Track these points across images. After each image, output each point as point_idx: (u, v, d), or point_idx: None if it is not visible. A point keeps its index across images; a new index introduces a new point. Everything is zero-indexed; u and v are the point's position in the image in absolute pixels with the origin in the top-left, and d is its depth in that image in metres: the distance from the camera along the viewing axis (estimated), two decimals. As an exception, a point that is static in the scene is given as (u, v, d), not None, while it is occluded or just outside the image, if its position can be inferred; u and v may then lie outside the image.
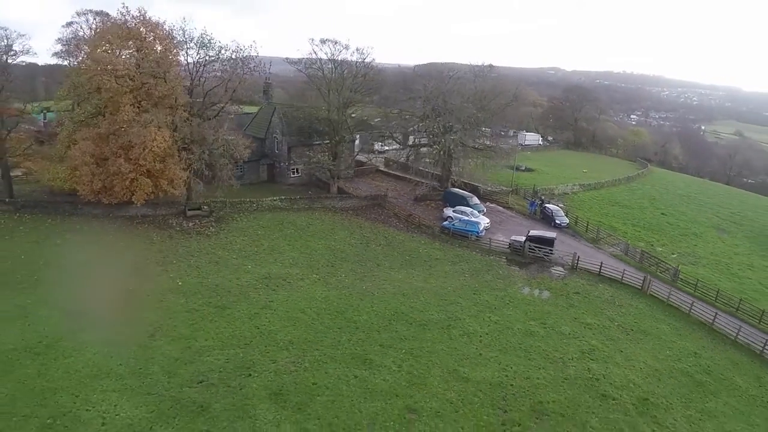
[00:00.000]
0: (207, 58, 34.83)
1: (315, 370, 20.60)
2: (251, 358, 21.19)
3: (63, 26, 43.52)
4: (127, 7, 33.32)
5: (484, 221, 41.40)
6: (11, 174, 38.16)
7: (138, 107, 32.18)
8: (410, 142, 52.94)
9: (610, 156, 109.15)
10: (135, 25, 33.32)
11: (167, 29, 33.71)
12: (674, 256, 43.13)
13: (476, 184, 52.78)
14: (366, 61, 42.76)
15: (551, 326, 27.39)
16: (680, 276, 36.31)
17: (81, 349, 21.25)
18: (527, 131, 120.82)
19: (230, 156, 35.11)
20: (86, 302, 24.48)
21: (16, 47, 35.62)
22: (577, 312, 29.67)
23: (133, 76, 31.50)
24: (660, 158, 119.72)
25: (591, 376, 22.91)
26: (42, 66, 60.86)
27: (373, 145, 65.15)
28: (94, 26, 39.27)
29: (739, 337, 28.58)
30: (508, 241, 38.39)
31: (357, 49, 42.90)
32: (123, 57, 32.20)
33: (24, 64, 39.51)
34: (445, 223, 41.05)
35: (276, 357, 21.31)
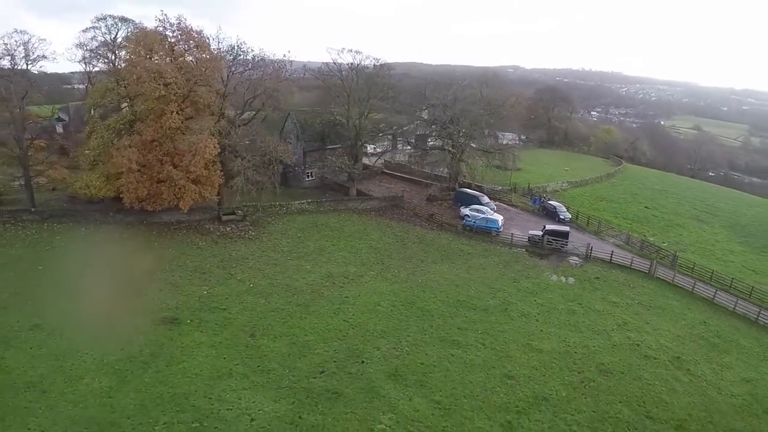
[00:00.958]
0: (242, 65, 38.59)
1: (416, 353, 25.56)
2: (356, 347, 25.71)
3: (81, 31, 45.33)
4: (166, 15, 36.48)
5: (499, 218, 47.86)
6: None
7: (181, 114, 35.39)
8: (427, 145, 58.68)
9: (583, 154, 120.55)
10: (174, 33, 36.51)
11: (206, 37, 37.19)
12: (665, 244, 51.55)
13: (481, 184, 59.38)
14: (385, 70, 48.05)
15: (586, 306, 33.93)
16: (678, 261, 44.43)
17: (188, 353, 24.57)
18: (504, 131, 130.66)
19: (279, 161, 38.99)
20: (172, 307, 27.87)
21: (37, 52, 37.67)
22: (603, 294, 36.50)
23: (181, 84, 34.68)
24: (630, 155, 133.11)
25: (632, 342, 29.53)
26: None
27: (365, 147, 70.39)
28: (118, 33, 41.76)
29: (736, 308, 36.56)
30: (528, 235, 44.99)
31: (375, 59, 48.14)
32: (167, 64, 35.25)
33: (42, 70, 41.17)
34: (467, 220, 47.05)
35: (377, 345, 26.01)
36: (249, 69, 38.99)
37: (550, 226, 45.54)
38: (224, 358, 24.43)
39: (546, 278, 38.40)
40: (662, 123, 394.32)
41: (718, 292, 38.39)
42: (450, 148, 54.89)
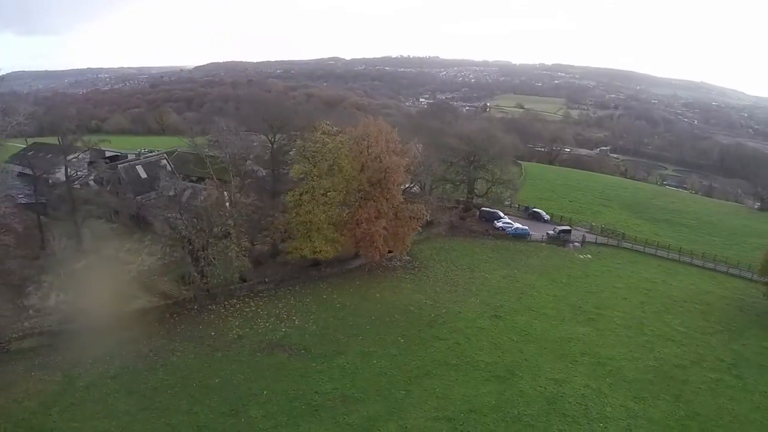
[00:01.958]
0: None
1: (594, 294, 58.26)
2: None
3: None
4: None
5: (527, 226, 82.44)
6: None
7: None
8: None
9: None
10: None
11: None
12: (600, 225, 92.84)
13: (477, 202, 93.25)
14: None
15: (616, 268, 70.44)
16: (624, 235, 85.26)
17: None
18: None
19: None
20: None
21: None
22: (611, 261, 73.32)
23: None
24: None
25: (640, 277, 66.90)
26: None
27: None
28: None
29: (658, 253, 78.17)
30: (546, 233, 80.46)
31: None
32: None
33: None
34: (507, 230, 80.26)
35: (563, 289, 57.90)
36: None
37: (559, 227, 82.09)
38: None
39: (577, 257, 74.33)
40: (488, 104, 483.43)
41: (647, 248, 79.88)
42: (465, 178, 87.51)
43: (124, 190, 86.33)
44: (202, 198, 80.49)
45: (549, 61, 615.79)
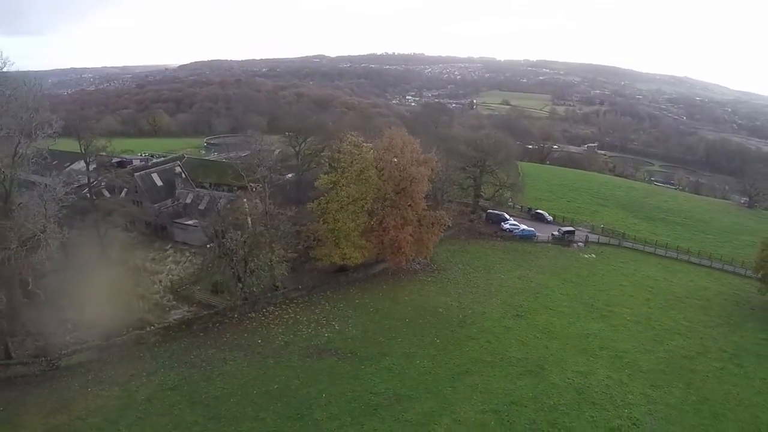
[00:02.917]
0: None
1: (597, 287, 62.92)
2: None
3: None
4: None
5: (532, 228, 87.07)
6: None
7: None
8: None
9: None
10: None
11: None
12: (602, 226, 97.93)
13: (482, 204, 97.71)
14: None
15: (620, 267, 75.38)
16: (624, 235, 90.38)
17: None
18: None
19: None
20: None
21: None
22: (615, 260, 78.32)
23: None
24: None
25: (643, 275, 71.93)
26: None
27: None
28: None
29: (657, 252, 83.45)
30: (551, 234, 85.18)
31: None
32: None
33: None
34: (515, 231, 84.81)
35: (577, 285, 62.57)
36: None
37: (564, 228, 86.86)
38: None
39: (582, 256, 79.25)
40: (474, 102, 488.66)
41: (647, 247, 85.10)
42: (472, 183, 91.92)
43: (140, 198, 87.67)
44: (220, 205, 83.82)
45: (534, 57, 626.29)
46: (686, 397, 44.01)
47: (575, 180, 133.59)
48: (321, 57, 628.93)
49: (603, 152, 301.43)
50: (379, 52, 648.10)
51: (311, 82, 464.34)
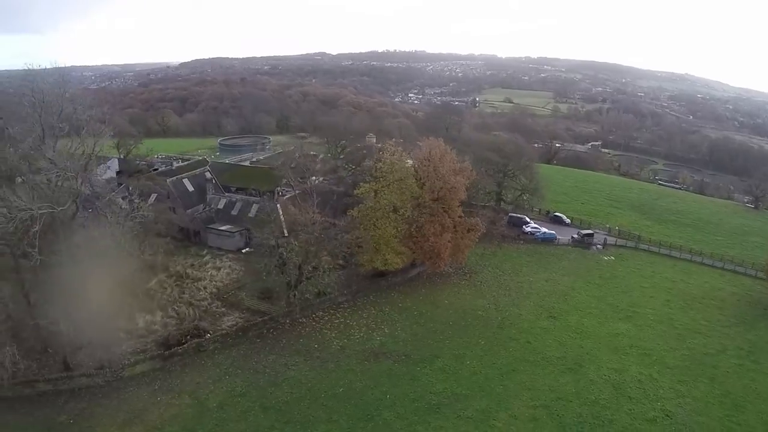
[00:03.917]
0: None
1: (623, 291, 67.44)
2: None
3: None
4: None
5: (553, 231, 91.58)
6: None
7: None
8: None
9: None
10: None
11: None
12: (617, 228, 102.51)
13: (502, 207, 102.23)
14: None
15: (638, 269, 79.95)
16: (640, 237, 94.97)
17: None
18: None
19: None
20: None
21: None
22: (633, 262, 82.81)
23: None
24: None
25: (662, 277, 76.51)
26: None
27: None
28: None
29: (672, 253, 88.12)
30: (573, 237, 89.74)
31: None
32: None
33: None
34: (536, 235, 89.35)
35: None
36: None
37: (583, 231, 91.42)
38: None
39: (602, 258, 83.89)
40: (477, 99, 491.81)
41: (662, 249, 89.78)
42: (496, 188, 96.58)
43: (173, 204, 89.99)
44: (254, 211, 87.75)
45: (535, 54, 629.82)
46: (710, 390, 48.68)
47: (586, 181, 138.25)
48: (322, 54, 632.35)
49: (607, 151, 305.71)
50: (380, 50, 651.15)
51: (314, 80, 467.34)
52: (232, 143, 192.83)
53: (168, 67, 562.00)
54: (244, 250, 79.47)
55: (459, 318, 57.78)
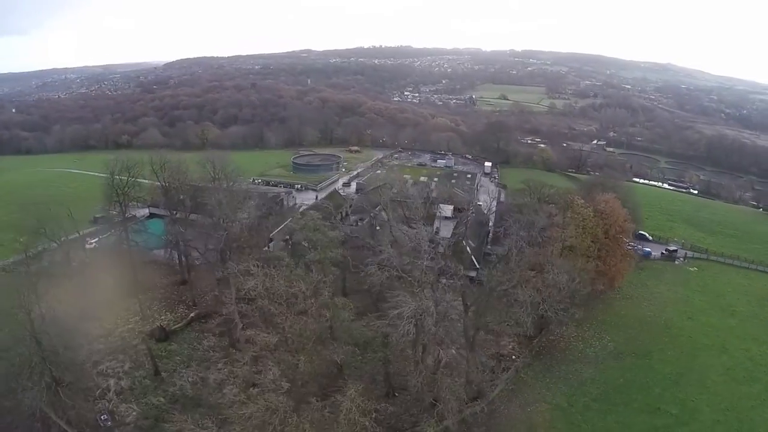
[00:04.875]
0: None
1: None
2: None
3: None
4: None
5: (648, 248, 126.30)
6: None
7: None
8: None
9: (542, 170, 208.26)
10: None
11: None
12: (683, 241, 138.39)
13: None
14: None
15: (718, 277, 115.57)
16: (708, 250, 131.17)
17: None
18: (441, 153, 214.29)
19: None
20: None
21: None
22: (711, 272, 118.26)
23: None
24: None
25: (743, 285, 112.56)
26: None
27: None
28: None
29: (756, 267, 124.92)
30: (662, 253, 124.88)
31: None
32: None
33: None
34: (638, 252, 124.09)
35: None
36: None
37: (670, 247, 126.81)
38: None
39: (688, 269, 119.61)
40: (473, 96, 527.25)
41: (726, 259, 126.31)
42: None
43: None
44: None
45: (519, 48, 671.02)
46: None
47: (635, 193, 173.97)
48: (308, 51, 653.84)
49: (611, 150, 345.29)
50: (366, 46, 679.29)
51: (309, 80, 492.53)
52: (305, 162, 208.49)
53: (155, 68, 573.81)
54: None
55: (639, 323, 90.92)
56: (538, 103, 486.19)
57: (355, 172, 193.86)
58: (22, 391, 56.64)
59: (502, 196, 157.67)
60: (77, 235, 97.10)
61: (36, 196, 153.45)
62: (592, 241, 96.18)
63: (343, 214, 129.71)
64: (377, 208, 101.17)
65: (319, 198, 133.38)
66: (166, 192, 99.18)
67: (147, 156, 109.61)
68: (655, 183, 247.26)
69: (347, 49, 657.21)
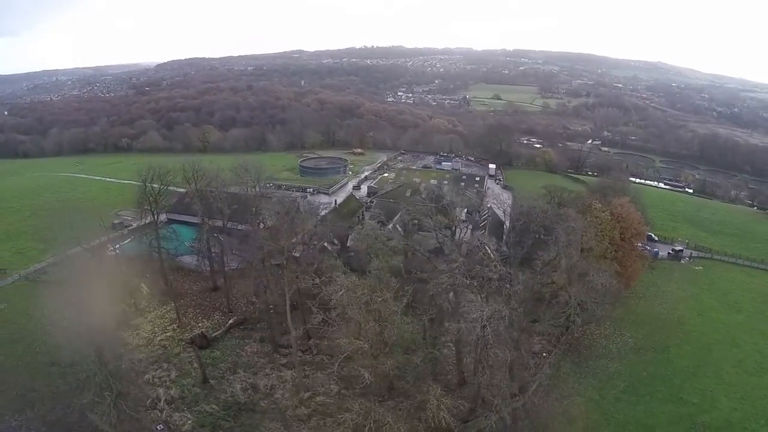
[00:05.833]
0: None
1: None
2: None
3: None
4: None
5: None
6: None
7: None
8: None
9: (544, 172, 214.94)
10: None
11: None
12: (687, 241, 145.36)
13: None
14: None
15: (722, 275, 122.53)
16: (711, 249, 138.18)
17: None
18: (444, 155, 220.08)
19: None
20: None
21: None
22: (715, 271, 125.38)
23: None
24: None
25: (746, 284, 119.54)
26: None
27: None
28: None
29: (739, 262, 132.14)
30: (669, 252, 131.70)
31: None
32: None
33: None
34: (647, 252, 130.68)
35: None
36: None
37: (676, 247, 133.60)
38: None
39: (693, 269, 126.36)
40: (467, 96, 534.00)
41: (729, 258, 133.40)
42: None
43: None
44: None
45: (510, 47, 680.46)
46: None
47: (643, 196, 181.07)
48: (300, 52, 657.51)
49: (606, 149, 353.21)
50: (358, 46, 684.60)
51: (303, 82, 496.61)
52: (313, 165, 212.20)
53: (146, 69, 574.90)
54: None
55: (654, 320, 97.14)
56: (531, 103, 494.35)
57: (362, 175, 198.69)
58: (89, 406, 58.20)
59: (510, 198, 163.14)
60: (102, 241, 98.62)
61: (46, 203, 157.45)
62: (609, 243, 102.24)
63: (360, 217, 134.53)
64: (401, 214, 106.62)
65: (338, 202, 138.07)
66: (202, 199, 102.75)
67: (172, 163, 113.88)
68: (652, 183, 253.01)
69: (339, 50, 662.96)
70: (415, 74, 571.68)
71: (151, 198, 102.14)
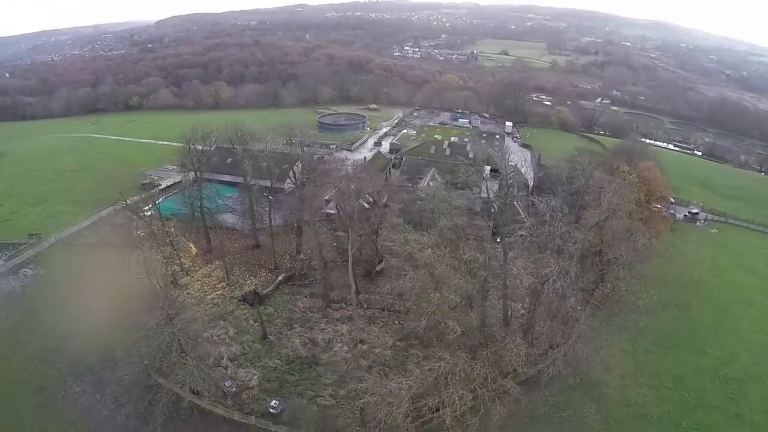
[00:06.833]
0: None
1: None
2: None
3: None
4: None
5: None
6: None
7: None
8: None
9: (559, 130, 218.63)
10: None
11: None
12: (701, 204, 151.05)
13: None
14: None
15: (737, 238, 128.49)
16: (725, 213, 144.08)
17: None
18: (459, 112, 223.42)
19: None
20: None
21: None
22: (730, 234, 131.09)
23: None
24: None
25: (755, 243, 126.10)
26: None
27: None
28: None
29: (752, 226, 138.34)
30: (685, 215, 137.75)
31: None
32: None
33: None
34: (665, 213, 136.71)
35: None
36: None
37: (692, 210, 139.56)
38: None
39: (709, 231, 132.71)
40: (474, 51, 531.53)
41: (743, 222, 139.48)
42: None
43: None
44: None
45: (516, 2, 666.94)
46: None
47: (663, 159, 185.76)
48: (303, 6, 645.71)
49: (616, 109, 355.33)
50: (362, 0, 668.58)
51: (308, 36, 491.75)
52: (331, 121, 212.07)
53: (147, 26, 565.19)
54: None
55: (676, 279, 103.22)
56: (539, 59, 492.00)
57: (381, 132, 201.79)
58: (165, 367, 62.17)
59: (533, 158, 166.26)
60: (135, 200, 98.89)
61: (67, 165, 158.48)
62: (636, 204, 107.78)
63: (388, 174, 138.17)
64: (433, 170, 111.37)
65: (366, 158, 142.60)
66: (250, 159, 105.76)
67: (215, 123, 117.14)
68: (661, 144, 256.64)
69: (342, 3, 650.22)
70: (421, 29, 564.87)
71: (194, 158, 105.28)
